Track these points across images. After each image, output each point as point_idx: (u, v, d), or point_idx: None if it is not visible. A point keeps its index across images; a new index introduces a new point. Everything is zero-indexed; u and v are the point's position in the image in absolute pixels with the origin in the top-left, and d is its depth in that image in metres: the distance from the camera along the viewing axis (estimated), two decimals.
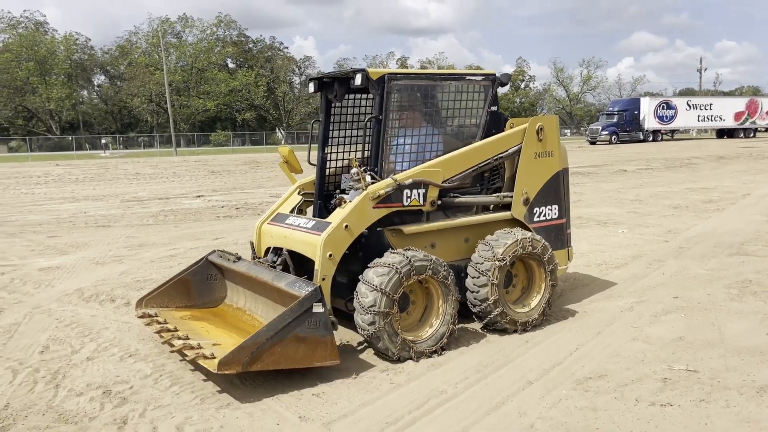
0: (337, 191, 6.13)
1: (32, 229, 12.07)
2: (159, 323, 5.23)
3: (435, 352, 5.02)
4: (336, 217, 5.07)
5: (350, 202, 5.12)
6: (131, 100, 67.86)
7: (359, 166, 5.31)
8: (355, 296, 4.92)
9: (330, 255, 4.88)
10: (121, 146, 62.48)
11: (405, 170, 5.46)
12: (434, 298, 5.13)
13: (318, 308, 4.46)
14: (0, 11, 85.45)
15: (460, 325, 5.50)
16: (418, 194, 5.31)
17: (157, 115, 69.69)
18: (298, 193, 6.10)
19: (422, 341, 5.00)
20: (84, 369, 4.91)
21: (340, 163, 6.19)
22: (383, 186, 5.11)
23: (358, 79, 5.30)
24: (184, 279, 5.86)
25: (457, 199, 5.62)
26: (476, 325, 5.64)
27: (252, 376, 4.68)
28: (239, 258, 5.66)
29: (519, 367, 4.79)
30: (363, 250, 5.28)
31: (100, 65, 74.48)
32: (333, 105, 6.13)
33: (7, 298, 7.05)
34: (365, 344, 5.22)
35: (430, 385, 4.48)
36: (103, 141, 58.15)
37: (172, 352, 4.84)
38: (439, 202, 5.48)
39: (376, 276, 4.80)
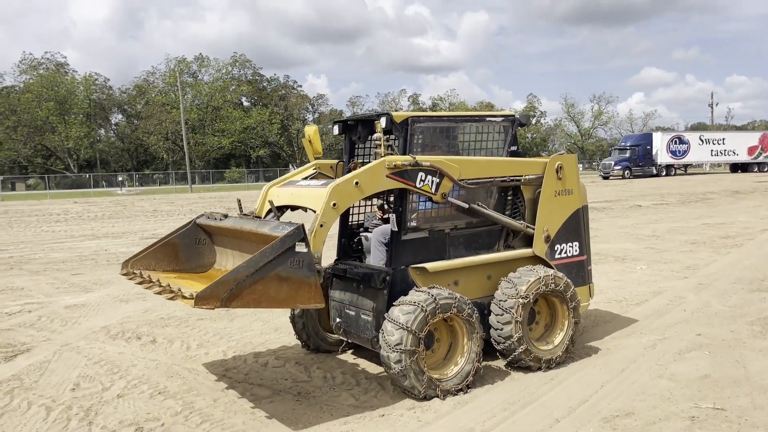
0: (360, 229, 6.26)
1: (56, 267, 12.27)
2: (142, 278, 5.15)
3: (461, 390, 5.06)
4: (348, 174, 5.13)
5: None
6: (147, 138, 69.02)
7: (383, 132, 5.41)
8: (380, 334, 4.99)
9: (334, 204, 4.85)
10: (137, 183, 63.32)
11: (427, 210, 5.59)
12: (459, 336, 5.19)
13: (301, 248, 4.32)
14: (22, 53, 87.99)
15: (484, 363, 5.53)
16: (432, 181, 5.33)
17: (173, 152, 70.75)
18: (313, 169, 6.18)
19: (448, 379, 5.04)
20: (115, 406, 4.99)
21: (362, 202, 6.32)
22: (401, 159, 5.18)
23: (382, 122, 5.45)
24: (171, 242, 5.68)
25: (485, 210, 5.71)
26: (500, 363, 5.68)
27: (280, 411, 4.74)
28: (226, 216, 5.61)
29: (545, 404, 4.81)
30: (387, 288, 5.36)
31: (117, 104, 75.99)
32: (356, 146, 6.30)
33: (36, 335, 7.18)
34: (390, 382, 5.25)
35: (458, 423, 4.51)
36: (120, 178, 59.00)
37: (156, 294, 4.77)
38: (467, 205, 5.54)
39: (402, 314, 4.87)
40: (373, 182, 5.09)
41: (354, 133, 6.08)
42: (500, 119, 6.15)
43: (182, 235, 5.74)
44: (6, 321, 7.92)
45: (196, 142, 68.81)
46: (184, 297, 4.28)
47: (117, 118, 78.48)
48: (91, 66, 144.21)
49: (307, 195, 5.32)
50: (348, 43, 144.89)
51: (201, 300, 3.97)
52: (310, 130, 6.06)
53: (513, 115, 6.25)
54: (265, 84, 79.17)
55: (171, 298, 4.40)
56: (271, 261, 4.21)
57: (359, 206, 6.30)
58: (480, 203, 5.71)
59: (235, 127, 69.61)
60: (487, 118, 6.12)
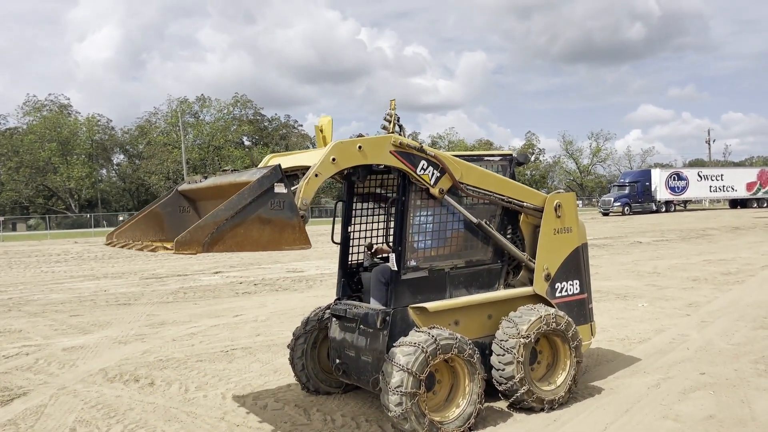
0: (361, 269, 6.25)
1: (54, 308, 12.21)
2: (124, 243, 5.01)
3: None
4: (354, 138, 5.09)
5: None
6: (149, 178, 69.45)
7: (394, 111, 5.40)
8: (380, 376, 4.93)
9: (333, 159, 4.74)
10: None
11: (427, 248, 5.59)
12: (460, 377, 5.12)
13: (280, 188, 4.19)
14: (26, 95, 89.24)
15: (486, 404, 5.45)
16: (432, 173, 5.31)
17: None
18: None
19: (449, 422, 4.96)
20: None
21: (363, 241, 6.32)
22: (407, 140, 5.17)
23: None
24: (154, 212, 5.50)
25: (492, 231, 5.70)
26: (502, 404, 5.60)
27: None
28: (206, 177, 5.48)
29: None
30: (387, 329, 5.32)
31: (119, 145, 76.69)
32: (356, 186, 6.33)
33: (33, 379, 7.10)
34: (390, 424, 5.17)
35: None
36: (121, 218, 59.15)
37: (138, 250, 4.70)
38: (476, 220, 5.58)
39: (402, 355, 4.82)
40: (375, 152, 5.04)
41: (353, 173, 6.10)
42: (498, 159, 6.21)
43: (164, 204, 5.58)
44: (3, 364, 7.85)
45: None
46: (166, 247, 4.17)
47: (119, 158, 79.27)
48: (93, 107, 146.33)
49: (310, 156, 5.22)
50: (348, 82, 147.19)
51: (181, 245, 3.84)
52: (324, 120, 5.97)
53: (511, 155, 6.30)
54: (266, 123, 79.96)
55: (152, 250, 4.29)
56: (251, 203, 4.09)
57: (358, 245, 6.30)
58: (486, 222, 5.72)
59: (236, 166, 70.05)
60: (485, 158, 6.17)
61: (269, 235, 4.15)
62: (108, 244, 5.39)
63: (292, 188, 4.84)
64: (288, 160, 5.57)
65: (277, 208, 4.18)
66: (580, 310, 6.26)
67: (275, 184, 4.20)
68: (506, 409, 5.52)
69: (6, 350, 8.61)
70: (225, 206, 4.03)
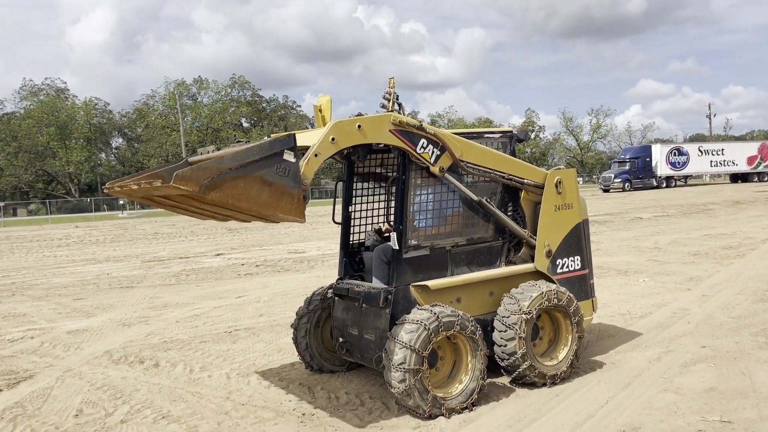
0: (362, 248, 6.26)
1: (58, 292, 12.26)
2: (122, 187, 4.89)
3: (466, 408, 5.03)
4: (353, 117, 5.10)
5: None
6: (148, 161, 69.25)
7: (392, 92, 5.41)
8: (383, 353, 4.97)
9: (333, 139, 4.74)
10: (138, 206, 63.38)
11: (428, 227, 5.60)
12: (463, 354, 5.16)
13: (289, 156, 4.19)
14: (22, 80, 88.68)
15: (489, 380, 5.49)
16: (432, 151, 5.30)
17: None
18: None
19: (452, 397, 5.01)
20: None
21: (363, 221, 6.33)
22: (407, 119, 5.17)
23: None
24: (160, 174, 5.28)
25: (493, 208, 5.73)
26: (505, 380, 5.65)
27: None
28: (219, 148, 5.38)
29: (551, 421, 4.78)
30: (389, 307, 5.35)
31: (118, 128, 76.37)
32: (355, 165, 6.32)
33: (39, 362, 7.16)
34: (394, 401, 5.22)
35: None
36: (121, 202, 59.05)
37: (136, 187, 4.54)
38: (476, 198, 5.60)
39: (404, 333, 4.86)
40: (375, 131, 5.02)
41: (353, 153, 6.08)
42: (498, 135, 6.19)
43: (170, 169, 5.33)
44: (8, 347, 7.90)
45: None
46: (162, 177, 4.12)
47: (117, 141, 78.94)
48: (90, 90, 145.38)
49: (309, 136, 5.18)
50: (345, 61, 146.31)
51: (180, 179, 3.80)
52: (323, 100, 5.89)
53: (511, 131, 6.28)
54: (264, 105, 79.56)
55: (148, 183, 4.22)
56: (257, 161, 4.07)
57: (360, 225, 6.30)
58: (487, 199, 5.72)
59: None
60: (486, 135, 6.14)
61: (267, 197, 4.13)
62: (105, 190, 5.25)
63: None
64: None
65: (282, 174, 4.16)
66: (582, 286, 6.28)
67: (286, 150, 4.17)
68: (509, 385, 5.57)
69: (11, 334, 8.67)
70: (232, 156, 3.98)
